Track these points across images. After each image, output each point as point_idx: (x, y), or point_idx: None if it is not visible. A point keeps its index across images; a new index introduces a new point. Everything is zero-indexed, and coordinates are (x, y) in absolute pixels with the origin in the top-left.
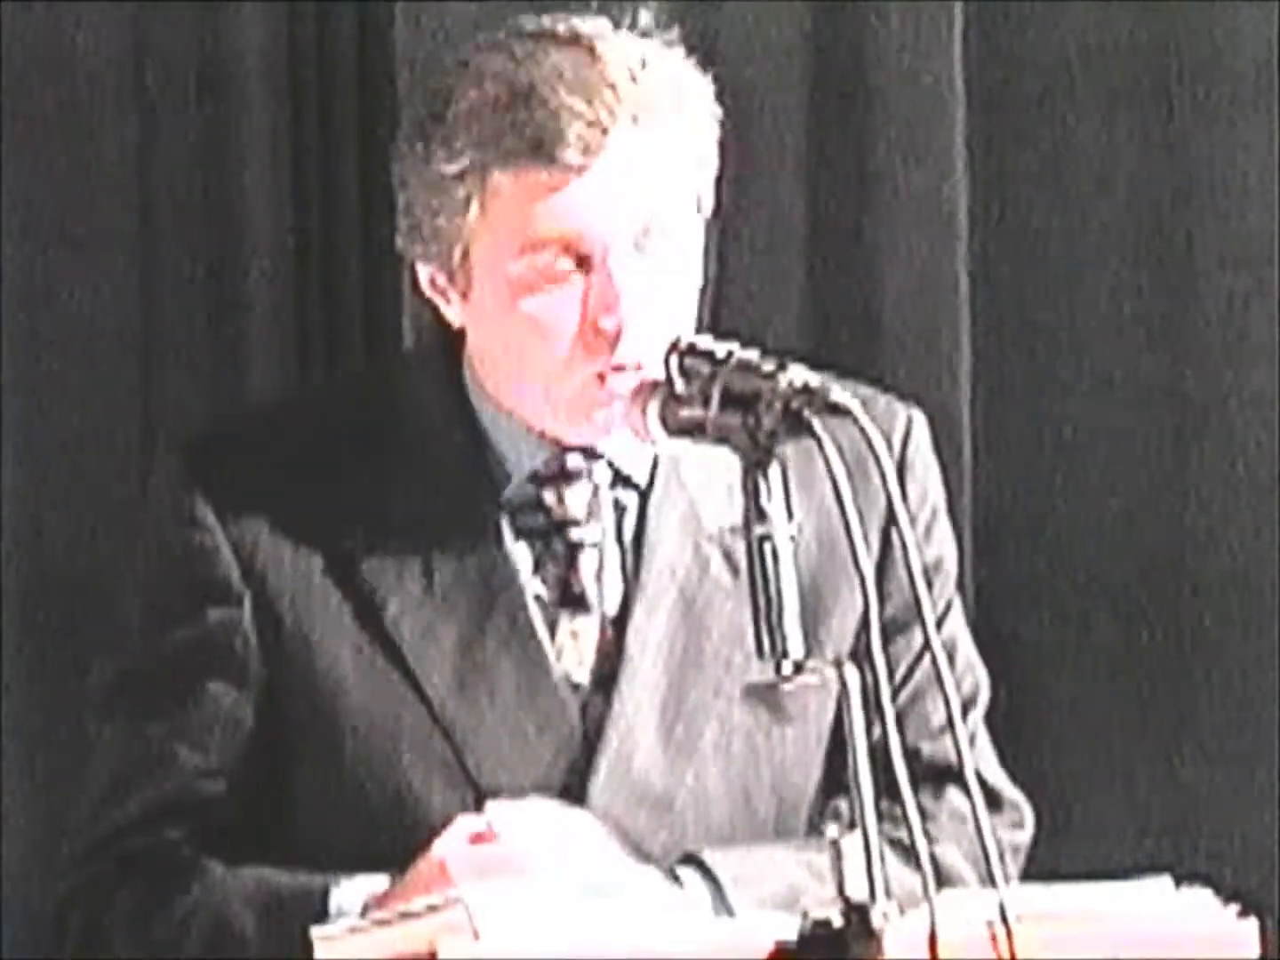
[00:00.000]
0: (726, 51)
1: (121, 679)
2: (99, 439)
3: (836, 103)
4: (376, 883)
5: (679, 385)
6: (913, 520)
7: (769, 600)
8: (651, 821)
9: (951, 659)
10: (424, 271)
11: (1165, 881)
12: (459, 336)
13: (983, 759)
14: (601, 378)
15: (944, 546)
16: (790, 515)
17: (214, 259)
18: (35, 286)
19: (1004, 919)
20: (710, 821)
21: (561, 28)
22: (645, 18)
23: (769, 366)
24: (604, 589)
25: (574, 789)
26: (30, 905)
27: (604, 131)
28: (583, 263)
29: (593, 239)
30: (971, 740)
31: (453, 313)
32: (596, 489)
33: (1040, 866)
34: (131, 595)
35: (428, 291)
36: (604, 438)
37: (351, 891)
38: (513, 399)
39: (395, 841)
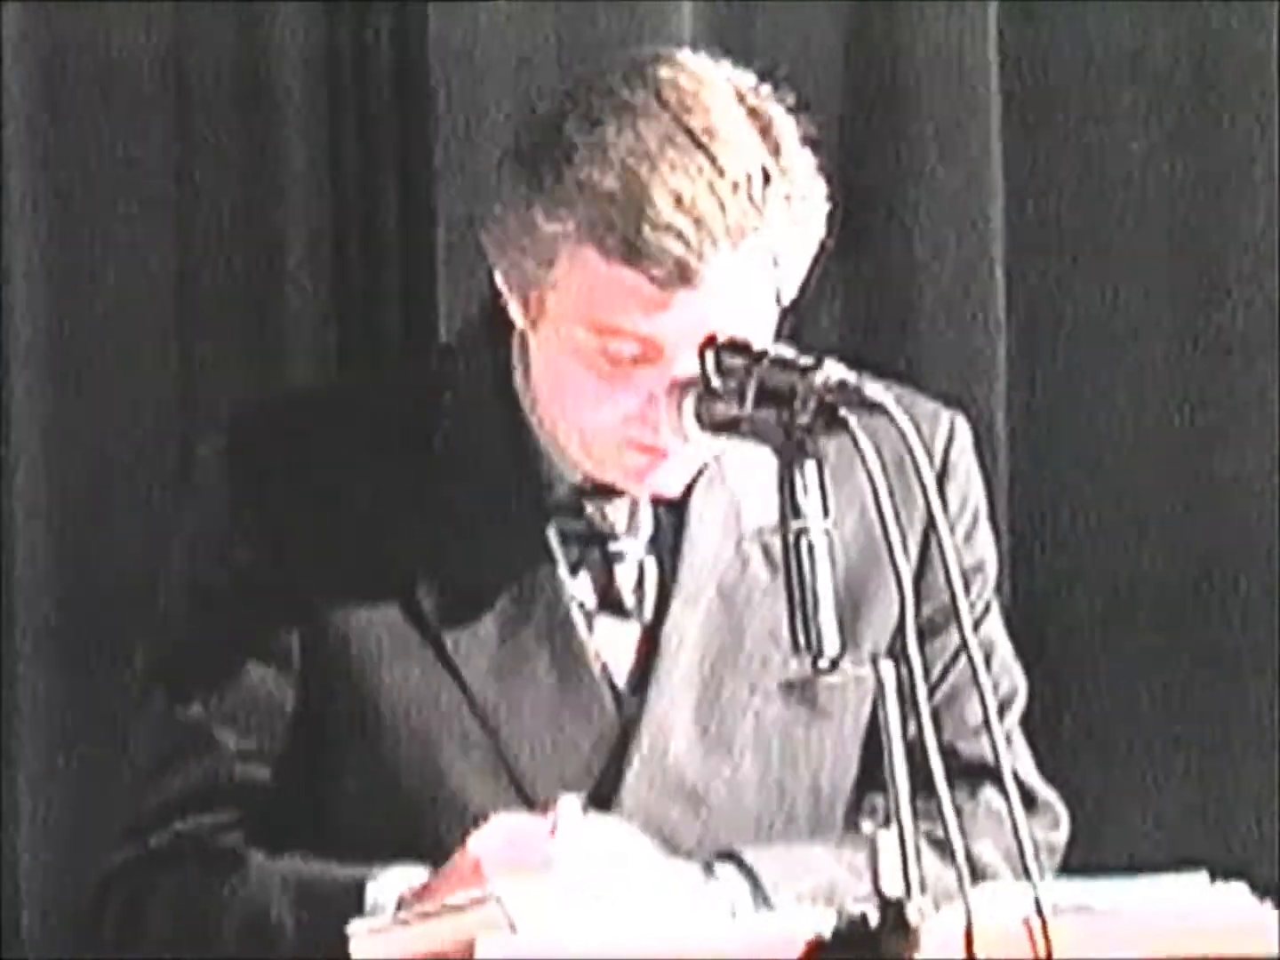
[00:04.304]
0: (762, 52)
1: (162, 663)
2: (134, 431)
3: (871, 104)
4: (412, 876)
5: (714, 381)
6: (954, 523)
7: (804, 596)
8: (685, 815)
9: (989, 660)
10: (500, 278)
11: (1201, 876)
12: (506, 326)
13: (1019, 760)
14: (634, 444)
15: (985, 550)
16: (826, 511)
17: (252, 254)
18: (72, 281)
19: (1040, 914)
20: (745, 816)
21: (696, 119)
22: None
23: (805, 363)
24: (643, 598)
25: (609, 781)
26: (53, 904)
27: (700, 257)
28: (647, 354)
29: (663, 344)
30: (1008, 741)
31: (519, 319)
32: (636, 502)
33: (1078, 866)
34: (163, 586)
35: (501, 288)
36: (640, 493)
37: (387, 885)
38: (557, 431)
39: (432, 829)
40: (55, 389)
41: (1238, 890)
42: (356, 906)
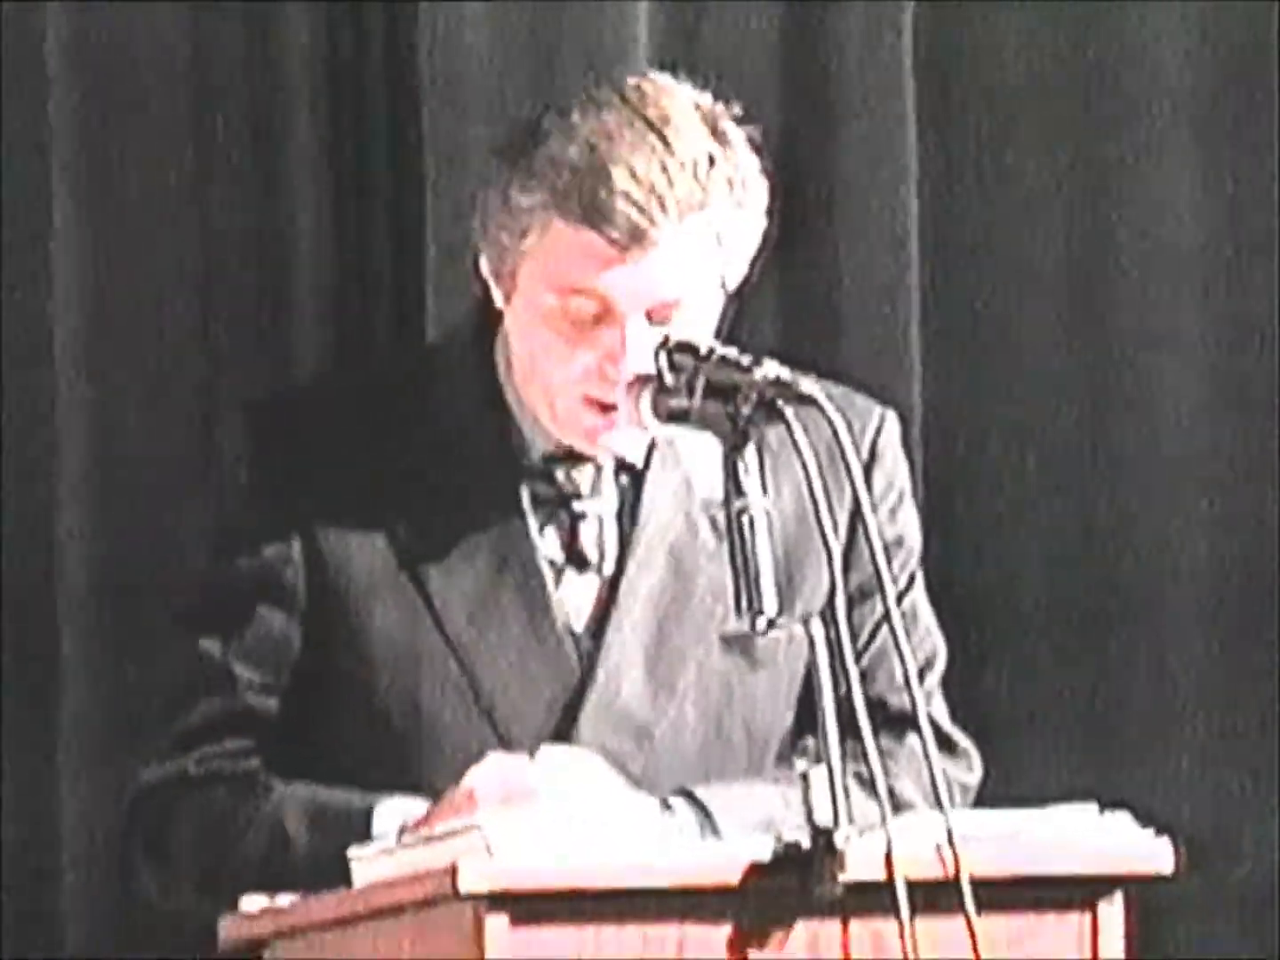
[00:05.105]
0: (707, 50)
1: (189, 605)
2: (162, 414)
3: (804, 137)
4: (413, 806)
5: (668, 378)
6: (879, 503)
7: (747, 565)
8: (633, 747)
9: (914, 626)
10: (483, 260)
11: (1091, 807)
12: (492, 323)
13: (939, 712)
14: (588, 400)
15: (908, 527)
16: (765, 491)
17: (263, 251)
18: (108, 283)
19: (950, 840)
20: (686, 751)
21: (653, 110)
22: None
23: (746, 361)
24: (603, 553)
25: (568, 716)
26: (91, 837)
27: (652, 222)
28: (604, 315)
29: (617, 304)
30: (930, 696)
31: (499, 299)
32: (600, 469)
33: (988, 800)
34: (190, 545)
35: (484, 274)
36: (594, 452)
37: (390, 814)
38: (529, 398)
39: (414, 760)
40: (94, 378)
41: (1123, 818)
42: (365, 832)
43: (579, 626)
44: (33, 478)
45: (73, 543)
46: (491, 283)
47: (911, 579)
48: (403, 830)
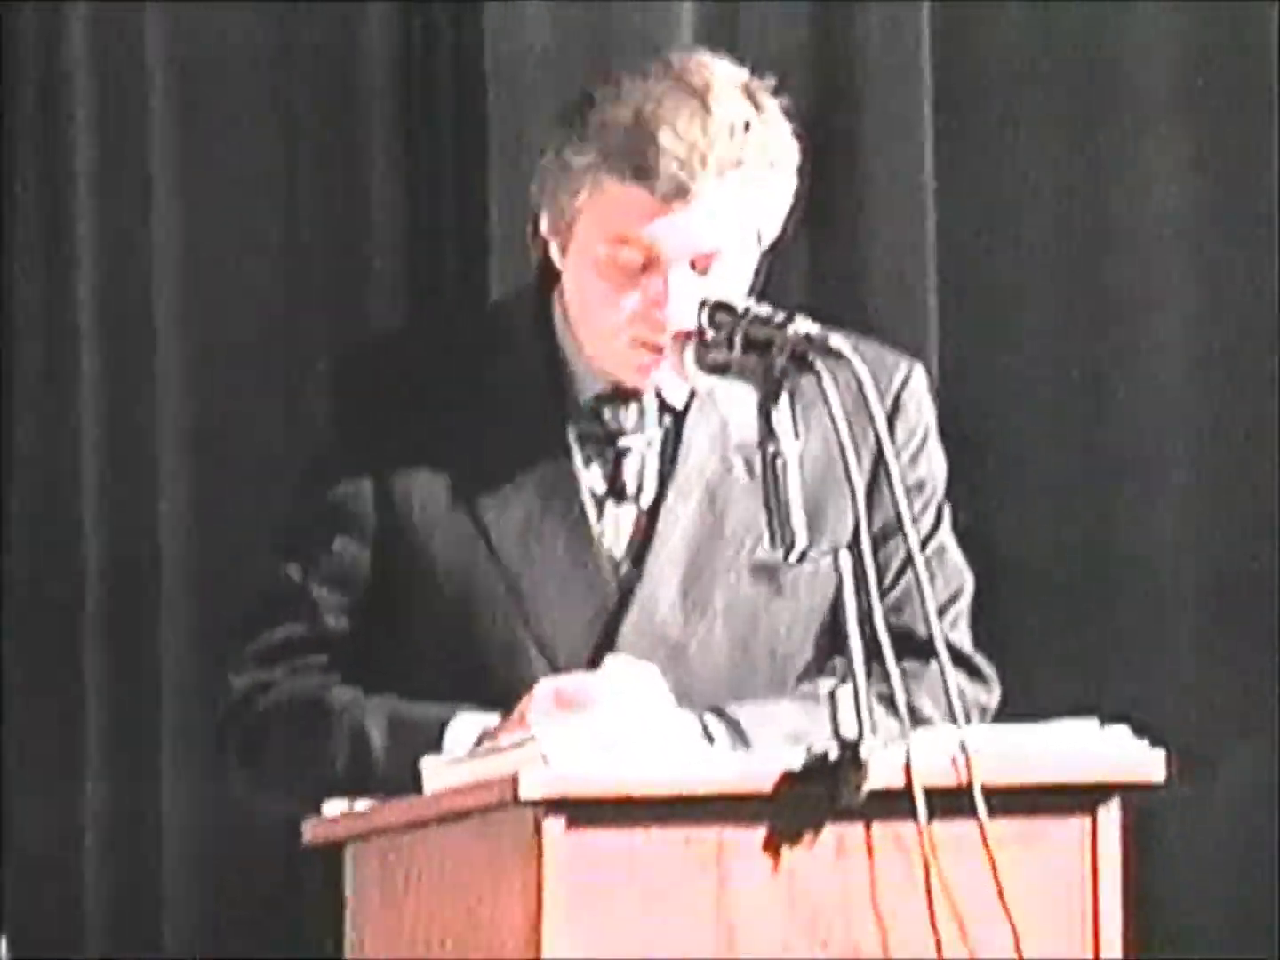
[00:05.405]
0: (743, 44)
1: (276, 535)
2: (250, 369)
3: (831, 121)
4: (487, 719)
5: (709, 333)
6: (901, 450)
7: (779, 502)
8: (667, 664)
9: (942, 561)
10: (543, 219)
11: (1091, 721)
12: (549, 283)
13: (964, 639)
14: (636, 340)
15: (928, 471)
16: (797, 435)
17: (344, 226)
18: (198, 246)
19: (964, 751)
20: (714, 668)
21: (696, 79)
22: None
23: (780, 318)
24: (643, 486)
25: (609, 634)
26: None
27: (693, 177)
28: (650, 264)
29: (662, 252)
30: (955, 624)
31: (557, 256)
32: (644, 410)
33: (1003, 718)
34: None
35: (544, 233)
36: (645, 386)
37: (466, 726)
38: (584, 339)
39: (463, 672)
40: (191, 346)
41: (1120, 732)
42: (438, 743)
43: (619, 553)
44: (137, 468)
45: (172, 517)
46: (550, 239)
47: (939, 518)
48: (480, 740)
